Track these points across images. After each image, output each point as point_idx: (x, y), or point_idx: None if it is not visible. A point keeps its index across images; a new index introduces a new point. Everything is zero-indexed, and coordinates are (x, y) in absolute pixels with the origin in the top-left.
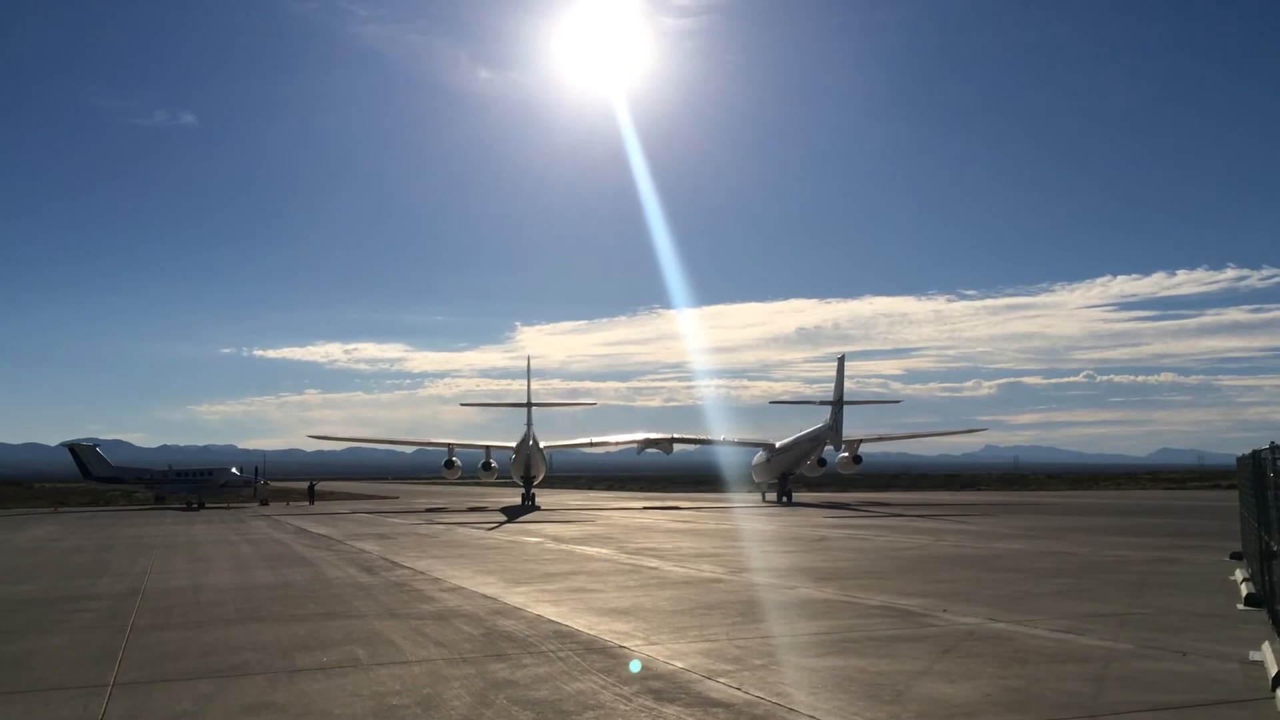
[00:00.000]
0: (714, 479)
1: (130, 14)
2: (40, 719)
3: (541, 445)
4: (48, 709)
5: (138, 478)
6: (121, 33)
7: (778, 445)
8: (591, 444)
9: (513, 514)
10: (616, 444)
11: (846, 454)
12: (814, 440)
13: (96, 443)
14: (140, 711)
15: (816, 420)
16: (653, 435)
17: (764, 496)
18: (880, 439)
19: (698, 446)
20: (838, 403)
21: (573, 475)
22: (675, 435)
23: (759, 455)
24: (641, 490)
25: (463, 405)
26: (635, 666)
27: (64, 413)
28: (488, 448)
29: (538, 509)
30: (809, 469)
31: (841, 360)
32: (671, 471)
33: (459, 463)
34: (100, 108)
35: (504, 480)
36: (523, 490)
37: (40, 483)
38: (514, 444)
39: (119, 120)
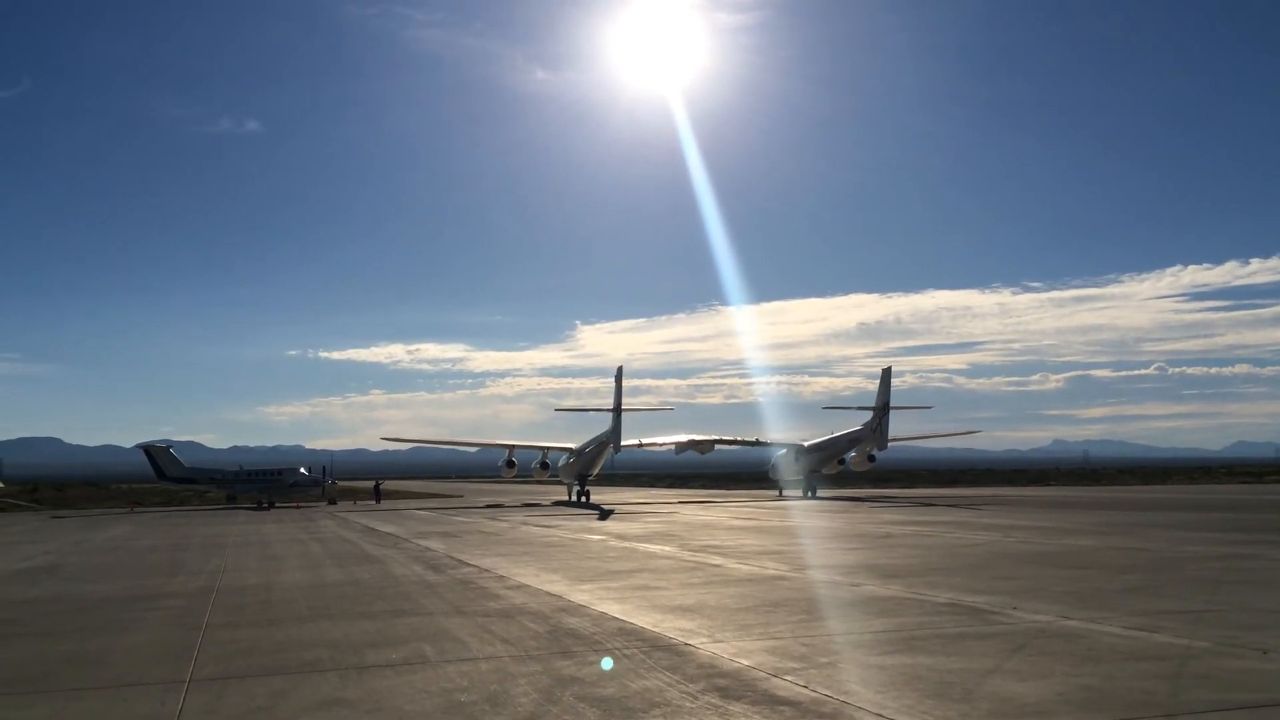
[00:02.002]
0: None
1: (196, 25)
2: (120, 714)
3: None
4: (127, 705)
5: (210, 478)
6: (188, 44)
7: (806, 445)
8: (640, 444)
9: (572, 511)
10: (664, 444)
11: (856, 454)
12: (852, 441)
13: (170, 444)
14: (216, 707)
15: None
16: (696, 437)
17: (781, 492)
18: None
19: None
20: (882, 409)
21: (634, 473)
22: (716, 437)
23: (784, 453)
24: (703, 487)
25: (556, 411)
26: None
27: (138, 415)
28: (544, 448)
29: (594, 506)
30: (830, 467)
31: (887, 371)
32: (733, 469)
33: (517, 462)
34: (168, 116)
35: (555, 480)
36: (577, 488)
37: (117, 483)
38: (570, 444)
39: (186, 129)
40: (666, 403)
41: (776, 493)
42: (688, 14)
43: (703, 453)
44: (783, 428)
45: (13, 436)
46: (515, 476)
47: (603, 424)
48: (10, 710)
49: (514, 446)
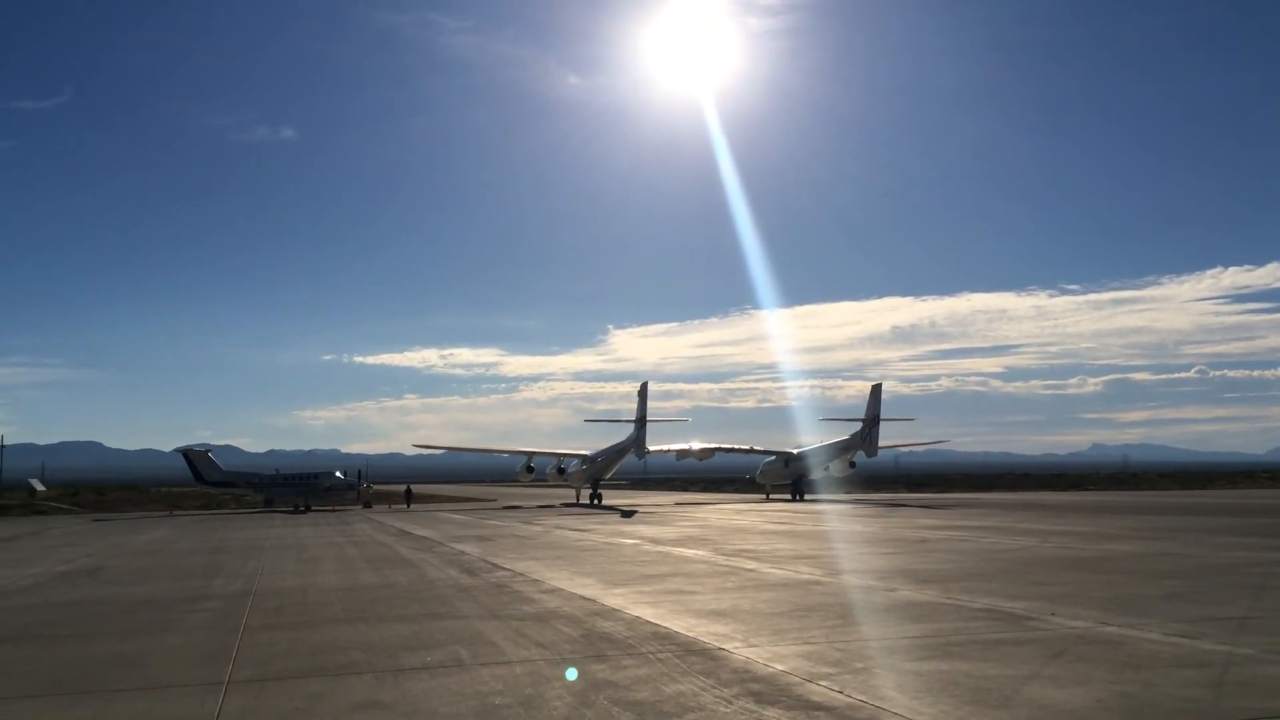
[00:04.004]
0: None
1: (231, 35)
2: (160, 715)
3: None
4: (167, 706)
5: (247, 481)
6: (223, 54)
7: (795, 452)
8: (649, 451)
9: (603, 515)
10: (668, 450)
11: (838, 461)
12: (839, 450)
13: (208, 448)
14: (254, 709)
15: (897, 432)
16: (696, 445)
17: (768, 495)
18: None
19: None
20: (872, 420)
21: (669, 478)
22: (715, 445)
23: (772, 460)
24: (736, 491)
25: (586, 421)
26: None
27: (177, 420)
28: (560, 455)
29: (607, 507)
30: (816, 473)
31: (877, 386)
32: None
33: (535, 467)
34: (205, 125)
35: (567, 484)
36: (588, 490)
37: (156, 487)
38: (584, 451)
39: (223, 137)
40: (685, 413)
41: (764, 496)
42: (718, 19)
43: (701, 459)
44: (816, 432)
45: (55, 440)
46: (533, 480)
47: (630, 429)
48: (53, 711)
49: (533, 453)
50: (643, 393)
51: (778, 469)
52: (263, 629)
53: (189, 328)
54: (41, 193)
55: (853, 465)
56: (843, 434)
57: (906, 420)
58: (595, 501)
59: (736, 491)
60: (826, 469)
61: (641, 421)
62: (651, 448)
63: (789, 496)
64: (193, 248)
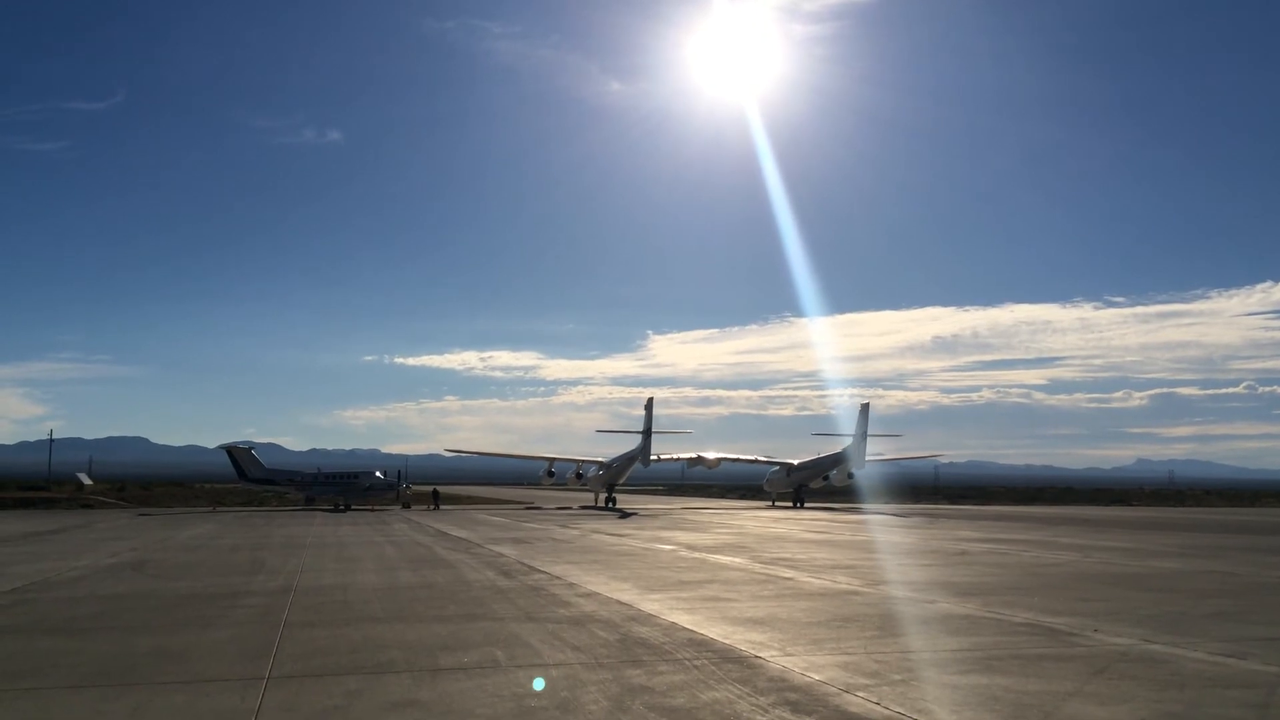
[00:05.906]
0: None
1: (279, 39)
2: (202, 709)
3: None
4: (209, 700)
5: (289, 480)
6: (271, 57)
7: (796, 464)
8: (659, 458)
9: (640, 521)
10: (677, 459)
11: (837, 472)
12: (835, 462)
13: (252, 445)
14: (294, 705)
15: (895, 442)
16: (704, 454)
17: (773, 504)
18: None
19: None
20: (861, 436)
21: (704, 485)
22: (722, 455)
23: (776, 470)
24: (752, 498)
25: (597, 432)
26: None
27: (222, 417)
28: (579, 461)
29: (620, 510)
30: (815, 483)
31: (866, 405)
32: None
33: (555, 472)
34: (253, 128)
35: (584, 488)
36: (605, 495)
37: (200, 483)
38: (600, 459)
39: (270, 139)
40: (724, 420)
41: (769, 503)
42: (763, 25)
43: (710, 468)
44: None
45: (102, 435)
46: (553, 484)
47: (658, 441)
48: (97, 702)
49: (554, 459)
50: (649, 407)
51: (781, 479)
52: (303, 626)
53: (235, 327)
54: (94, 192)
55: (851, 476)
56: (837, 448)
57: (894, 436)
58: (610, 504)
59: (750, 498)
60: (827, 479)
61: (647, 433)
62: (665, 456)
63: (791, 504)
64: (239, 247)
